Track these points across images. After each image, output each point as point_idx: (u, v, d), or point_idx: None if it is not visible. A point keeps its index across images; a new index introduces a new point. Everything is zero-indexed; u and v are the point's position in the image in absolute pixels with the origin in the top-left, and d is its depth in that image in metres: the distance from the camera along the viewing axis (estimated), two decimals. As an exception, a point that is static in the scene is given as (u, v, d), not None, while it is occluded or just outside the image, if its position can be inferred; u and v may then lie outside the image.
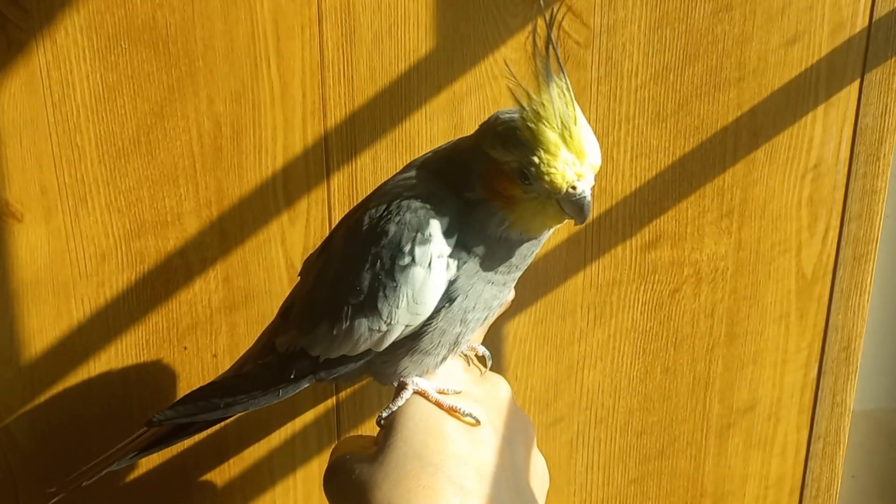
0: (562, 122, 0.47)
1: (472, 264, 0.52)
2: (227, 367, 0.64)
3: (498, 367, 0.74)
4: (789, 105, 0.69)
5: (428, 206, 0.51)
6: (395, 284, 0.51)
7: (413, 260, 0.50)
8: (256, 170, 0.68)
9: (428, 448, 0.52)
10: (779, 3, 0.67)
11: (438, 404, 0.54)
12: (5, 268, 0.68)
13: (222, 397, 0.56)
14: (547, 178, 0.48)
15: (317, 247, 0.60)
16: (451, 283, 0.51)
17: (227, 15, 0.64)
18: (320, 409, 0.75)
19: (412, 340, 0.53)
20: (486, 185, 0.50)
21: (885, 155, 0.71)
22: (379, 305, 0.51)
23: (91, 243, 0.68)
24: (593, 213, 0.71)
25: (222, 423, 0.72)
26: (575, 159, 0.48)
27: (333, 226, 0.65)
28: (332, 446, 0.75)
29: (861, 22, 0.68)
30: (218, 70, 0.65)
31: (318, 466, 0.76)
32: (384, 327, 0.52)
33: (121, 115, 0.66)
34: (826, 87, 0.69)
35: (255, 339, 0.62)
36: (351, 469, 0.52)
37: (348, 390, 0.75)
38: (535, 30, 0.62)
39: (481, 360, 0.61)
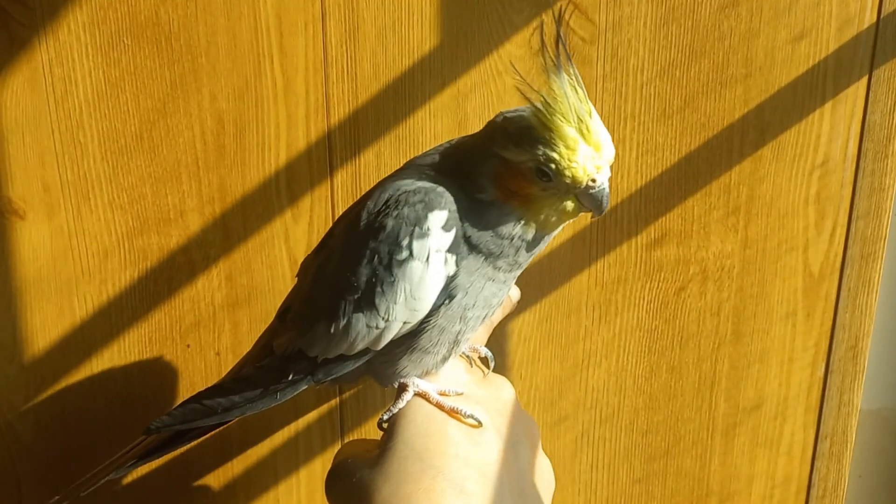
0: (577, 116, 0.47)
1: (473, 260, 0.51)
2: (230, 364, 0.64)
3: (502, 366, 0.74)
4: (796, 102, 0.69)
5: (426, 200, 0.50)
6: (392, 279, 0.50)
7: (411, 254, 0.50)
8: (259, 167, 0.67)
9: (429, 451, 0.51)
10: (786, -2, 0.66)
11: (439, 406, 0.54)
12: (8, 265, 0.68)
13: (219, 402, 0.56)
14: (568, 173, 0.47)
15: (314, 247, 0.60)
16: (451, 279, 0.51)
17: (230, 11, 0.64)
18: (323, 408, 0.75)
19: (411, 338, 0.53)
20: (499, 187, 0.50)
21: (893, 152, 0.70)
22: (376, 301, 0.50)
23: (94, 240, 0.68)
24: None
25: (222, 427, 0.72)
26: (593, 152, 0.48)
27: (336, 223, 0.64)
28: (336, 445, 0.75)
29: (869, 18, 0.67)
30: (221, 67, 0.65)
31: (321, 466, 0.76)
32: (382, 324, 0.51)
33: (123, 111, 0.66)
34: (833, 83, 0.68)
35: (257, 338, 0.62)
36: (352, 472, 0.52)
37: (352, 390, 0.75)
38: (542, 25, 0.62)
39: (484, 361, 0.61)
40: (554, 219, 0.51)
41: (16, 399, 0.72)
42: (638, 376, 0.76)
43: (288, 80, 0.66)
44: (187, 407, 0.57)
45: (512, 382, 0.60)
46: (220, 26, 0.64)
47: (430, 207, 0.50)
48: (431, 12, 0.65)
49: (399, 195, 0.51)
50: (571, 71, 0.47)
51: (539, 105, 0.47)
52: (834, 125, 0.70)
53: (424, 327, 0.52)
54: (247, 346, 0.63)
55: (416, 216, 0.50)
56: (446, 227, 0.50)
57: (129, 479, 0.76)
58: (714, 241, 0.72)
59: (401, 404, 0.54)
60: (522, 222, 0.50)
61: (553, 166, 0.48)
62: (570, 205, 0.50)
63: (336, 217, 0.69)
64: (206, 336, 0.72)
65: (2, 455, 0.74)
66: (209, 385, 0.58)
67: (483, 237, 0.50)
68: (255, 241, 0.69)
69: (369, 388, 0.75)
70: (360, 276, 0.51)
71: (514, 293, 0.63)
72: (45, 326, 0.70)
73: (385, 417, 0.54)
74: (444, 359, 0.55)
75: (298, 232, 0.69)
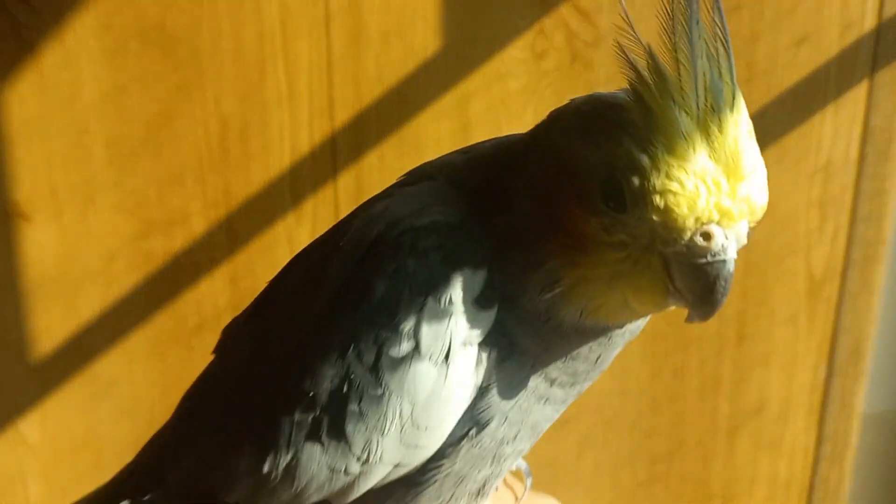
0: (708, 103, 0.28)
1: (517, 362, 0.31)
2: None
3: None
4: (798, 105, 0.69)
5: (447, 247, 0.31)
6: (380, 391, 0.31)
7: (416, 348, 0.30)
8: (264, 170, 0.68)
9: None
10: (787, 3, 0.66)
11: None
12: (15, 267, 0.69)
13: None
14: (658, 200, 0.27)
15: (245, 309, 0.44)
16: (482, 393, 0.32)
17: (234, 16, 0.64)
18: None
19: (404, 489, 0.33)
20: (537, 207, 0.30)
21: (894, 155, 0.70)
22: (348, 428, 0.31)
23: (99, 243, 0.69)
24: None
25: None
26: (721, 174, 0.27)
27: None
28: None
29: (870, 22, 0.67)
30: (225, 71, 0.65)
31: None
32: (356, 467, 0.32)
33: (129, 115, 0.66)
34: (835, 87, 0.69)
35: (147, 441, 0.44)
36: None
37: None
38: None
39: (517, 475, 0.42)
40: (617, 297, 0.29)
41: (22, 400, 0.72)
42: (641, 379, 0.76)
43: (292, 83, 0.66)
44: None
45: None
46: (225, 31, 0.65)
47: (453, 262, 0.30)
48: (435, 16, 0.65)
49: (400, 234, 0.31)
50: (718, 27, 0.29)
51: (643, 71, 0.29)
52: (835, 129, 0.70)
53: (430, 475, 0.33)
54: (251, 348, 0.63)
55: (430, 276, 0.30)
56: (481, 301, 0.30)
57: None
58: (716, 244, 0.72)
59: None
60: (560, 289, 0.30)
61: (635, 180, 0.27)
62: (650, 276, 0.29)
63: (335, 218, 0.69)
64: (210, 338, 0.71)
65: (8, 455, 0.74)
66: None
67: (523, 317, 0.31)
68: (259, 243, 0.69)
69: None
70: (322, 379, 0.31)
71: (523, 465, 0.43)
72: (51, 328, 0.70)
73: None
74: None
75: (302, 235, 0.69)
